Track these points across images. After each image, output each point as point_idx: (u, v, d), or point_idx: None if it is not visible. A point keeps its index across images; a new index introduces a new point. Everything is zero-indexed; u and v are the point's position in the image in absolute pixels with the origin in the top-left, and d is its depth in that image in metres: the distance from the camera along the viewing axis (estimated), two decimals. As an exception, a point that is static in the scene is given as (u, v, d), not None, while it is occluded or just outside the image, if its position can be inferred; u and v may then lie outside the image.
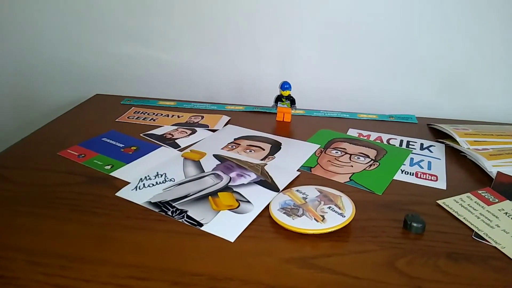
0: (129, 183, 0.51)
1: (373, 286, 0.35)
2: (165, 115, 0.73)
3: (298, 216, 0.43)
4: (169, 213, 0.45)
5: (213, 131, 0.67)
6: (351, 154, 0.60)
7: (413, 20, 0.72)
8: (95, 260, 0.37)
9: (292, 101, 0.69)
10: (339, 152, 0.60)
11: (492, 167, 0.55)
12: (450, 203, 0.48)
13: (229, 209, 0.46)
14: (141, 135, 0.65)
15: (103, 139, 0.64)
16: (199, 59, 0.81)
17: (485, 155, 0.57)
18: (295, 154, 0.60)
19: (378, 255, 0.39)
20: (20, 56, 0.88)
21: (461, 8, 0.69)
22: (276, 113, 0.71)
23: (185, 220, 0.44)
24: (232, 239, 0.41)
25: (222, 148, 0.61)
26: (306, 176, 0.54)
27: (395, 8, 0.71)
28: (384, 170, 0.56)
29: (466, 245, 0.41)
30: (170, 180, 0.52)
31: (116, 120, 0.71)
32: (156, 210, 0.46)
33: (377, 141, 0.65)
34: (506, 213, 0.46)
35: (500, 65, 0.72)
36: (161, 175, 0.53)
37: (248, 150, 0.60)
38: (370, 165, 0.57)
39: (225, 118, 0.71)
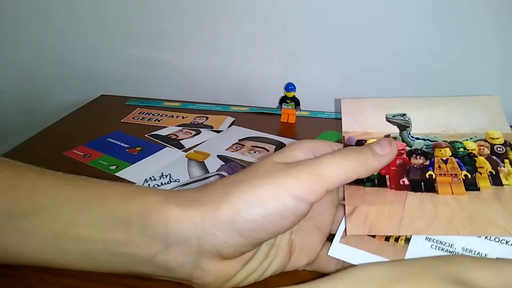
0: (134, 183, 0.52)
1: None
2: (169, 116, 0.73)
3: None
4: (174, 213, 0.45)
5: (218, 132, 0.67)
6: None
7: (420, 23, 0.71)
8: (101, 260, 0.37)
9: (296, 103, 0.70)
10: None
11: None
12: None
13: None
14: (146, 135, 0.66)
15: (108, 139, 0.64)
16: (204, 61, 0.81)
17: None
18: (299, 155, 0.59)
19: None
20: (26, 57, 0.88)
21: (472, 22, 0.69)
22: (280, 115, 0.72)
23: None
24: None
25: (226, 149, 0.61)
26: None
27: (402, 12, 0.71)
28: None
29: None
30: (175, 180, 0.52)
31: (121, 120, 0.71)
32: (161, 211, 0.46)
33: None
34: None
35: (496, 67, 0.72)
36: (166, 176, 0.53)
37: (252, 151, 0.60)
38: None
39: (230, 119, 0.72)
